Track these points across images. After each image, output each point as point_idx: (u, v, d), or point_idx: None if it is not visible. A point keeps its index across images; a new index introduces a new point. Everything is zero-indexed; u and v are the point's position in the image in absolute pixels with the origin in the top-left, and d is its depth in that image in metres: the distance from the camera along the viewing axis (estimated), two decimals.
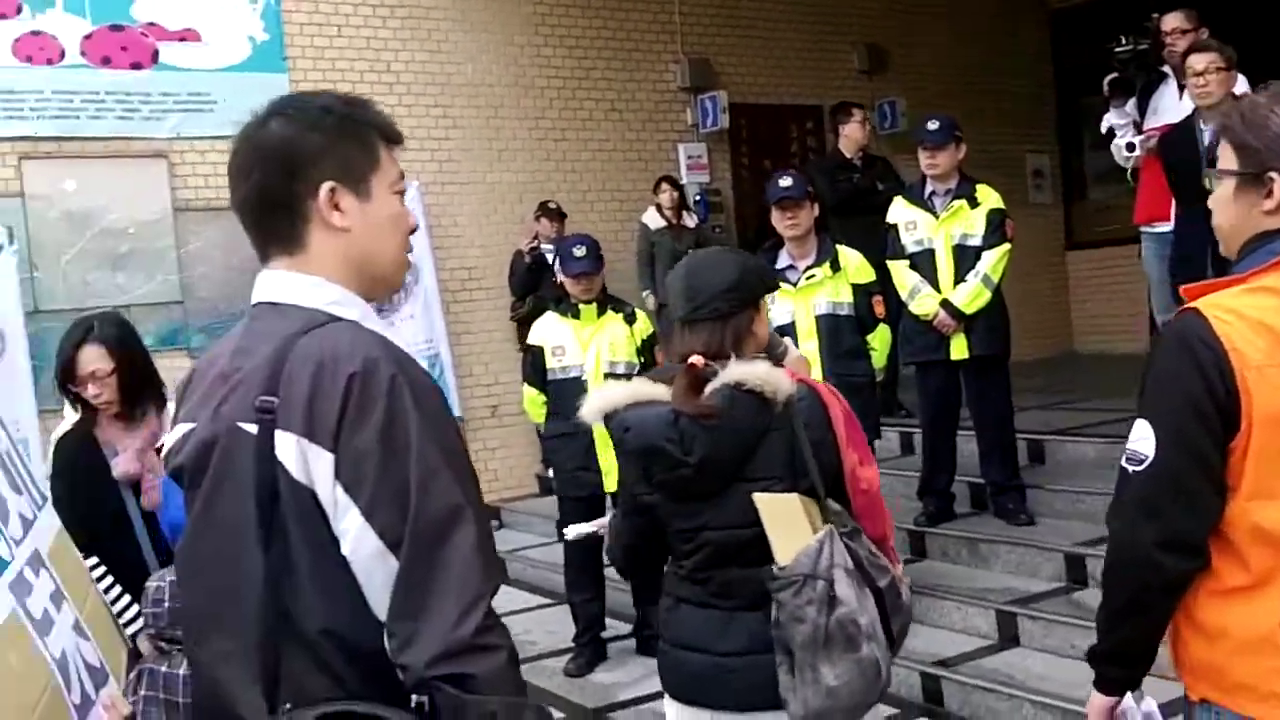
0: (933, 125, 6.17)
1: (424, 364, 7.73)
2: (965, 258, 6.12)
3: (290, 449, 1.72)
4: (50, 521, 2.73)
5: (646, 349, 6.02)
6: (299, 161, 1.84)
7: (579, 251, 5.91)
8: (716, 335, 2.72)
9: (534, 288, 9.07)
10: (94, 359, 3.74)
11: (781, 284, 5.62)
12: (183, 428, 1.91)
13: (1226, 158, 2.26)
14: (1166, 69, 6.43)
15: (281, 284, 1.87)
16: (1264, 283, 2.14)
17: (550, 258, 9.15)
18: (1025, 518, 6.32)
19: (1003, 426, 6.36)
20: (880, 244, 6.48)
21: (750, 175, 10.78)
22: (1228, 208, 2.30)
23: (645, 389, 2.70)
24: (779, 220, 5.68)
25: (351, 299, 1.87)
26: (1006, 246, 6.15)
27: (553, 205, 9.09)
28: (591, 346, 5.90)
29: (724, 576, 2.73)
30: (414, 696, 1.72)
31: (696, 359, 2.65)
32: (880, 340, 5.80)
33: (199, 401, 1.89)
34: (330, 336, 1.76)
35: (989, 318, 6.16)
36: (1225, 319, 2.10)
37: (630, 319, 6.02)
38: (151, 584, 3.26)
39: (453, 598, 1.67)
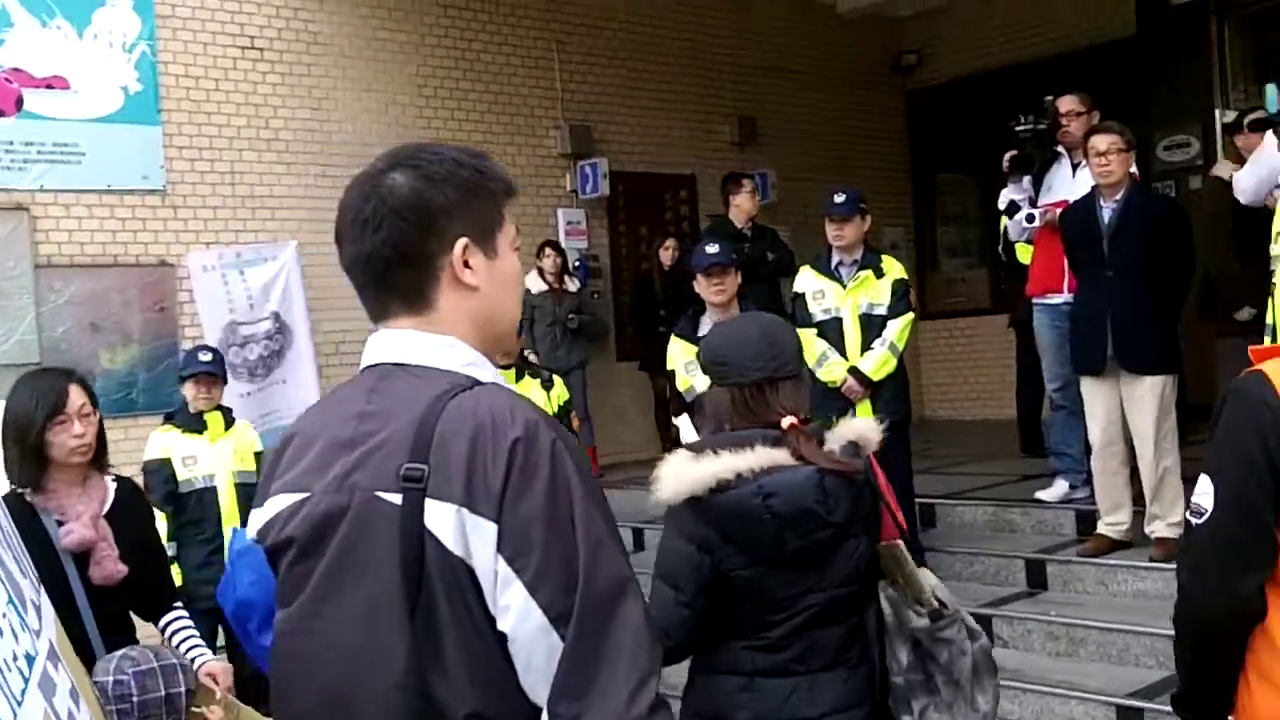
0: (839, 198, 6.31)
1: None
2: (871, 326, 6.27)
3: (446, 519, 1.61)
4: (50, 607, 2.53)
5: (563, 414, 5.98)
6: (433, 215, 1.74)
7: None
8: (801, 394, 2.74)
9: None
10: (81, 396, 3.56)
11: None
12: (288, 498, 1.77)
13: None
14: (1060, 148, 6.70)
15: (409, 344, 1.76)
16: None
17: None
18: None
19: (905, 490, 6.48)
20: (772, 312, 6.59)
21: (627, 242, 10.88)
22: None
23: (770, 454, 2.63)
24: (705, 287, 5.74)
25: (484, 361, 1.79)
26: (910, 315, 6.35)
27: None
28: None
29: (810, 641, 2.71)
30: None
31: (793, 420, 2.67)
32: None
33: (309, 470, 1.76)
34: (486, 400, 1.66)
35: (894, 384, 6.33)
36: None
37: (547, 384, 5.97)
38: (107, 678, 3.07)
39: (623, 675, 1.57)
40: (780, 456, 2.62)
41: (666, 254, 10.06)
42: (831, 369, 6.25)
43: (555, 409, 5.92)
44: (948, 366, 13.07)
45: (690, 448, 2.71)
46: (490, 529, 1.60)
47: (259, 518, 1.83)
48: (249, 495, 5.53)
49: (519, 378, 5.87)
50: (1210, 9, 10.79)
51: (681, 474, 2.62)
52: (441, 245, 1.75)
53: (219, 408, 5.83)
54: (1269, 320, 4.83)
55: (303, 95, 8.95)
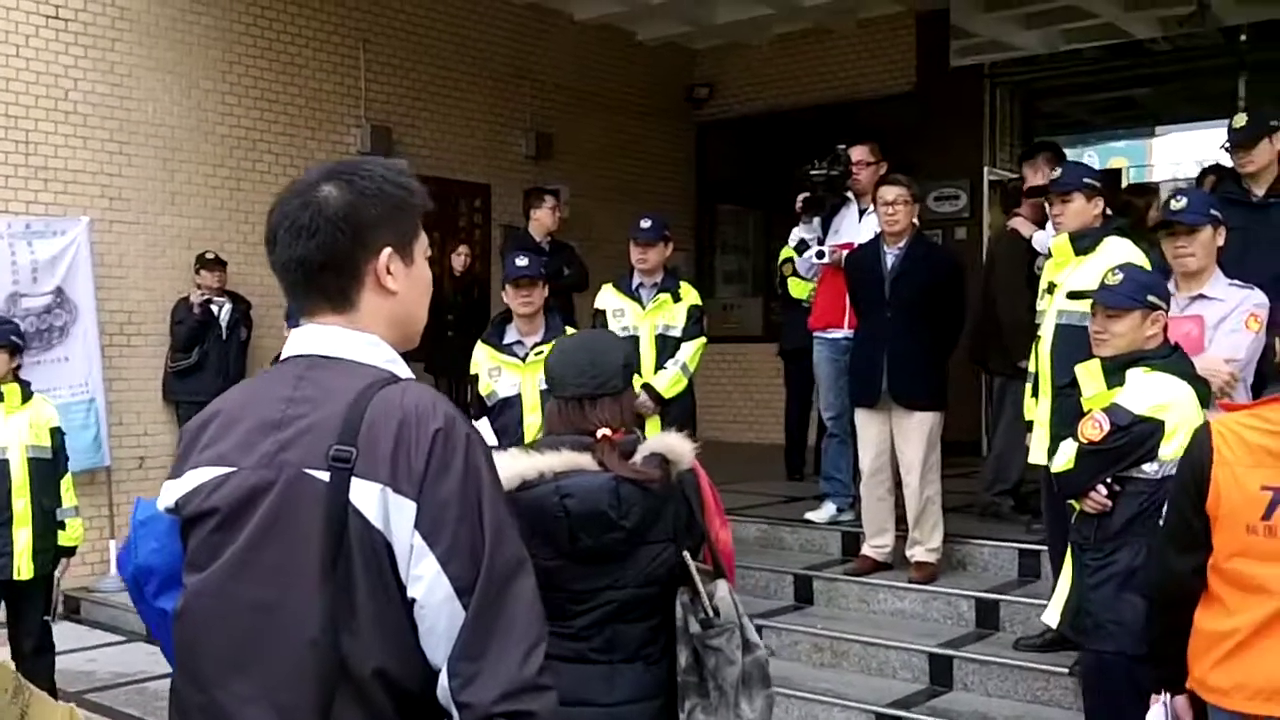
0: (645, 224, 6.62)
1: (79, 411, 7.23)
2: (666, 347, 6.58)
3: (371, 497, 1.81)
4: None
5: None
6: (362, 227, 1.94)
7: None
8: (617, 410, 2.98)
9: (199, 341, 8.88)
10: None
11: (508, 357, 5.90)
12: (211, 470, 1.93)
13: None
14: (849, 194, 7.16)
15: (334, 339, 1.96)
16: (1263, 411, 3.05)
17: (216, 310, 9.00)
18: None
19: None
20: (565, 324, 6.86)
21: None
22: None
23: (575, 458, 2.86)
24: (514, 298, 5.92)
25: (399, 358, 1.99)
26: (703, 339, 6.68)
27: (210, 255, 8.96)
28: None
29: (612, 633, 2.94)
30: None
31: (606, 431, 2.90)
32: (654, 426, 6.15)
33: (234, 447, 1.92)
34: (411, 393, 1.88)
35: (683, 403, 6.64)
36: (1221, 430, 3.09)
37: None
38: None
39: (516, 641, 1.82)
40: (584, 461, 2.88)
41: (458, 260, 10.20)
42: None
43: None
44: (719, 390, 13.53)
45: (523, 447, 2.97)
46: (410, 507, 1.81)
47: (176, 489, 1.97)
48: (42, 470, 5.49)
49: None
50: (985, 73, 11.59)
51: (520, 462, 2.86)
52: (368, 253, 1.95)
53: (17, 379, 5.69)
54: (1031, 368, 5.36)
55: (105, 70, 8.72)
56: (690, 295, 6.71)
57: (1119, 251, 4.91)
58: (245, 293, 9.24)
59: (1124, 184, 12.00)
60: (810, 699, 5.72)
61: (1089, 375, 4.11)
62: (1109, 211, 5.39)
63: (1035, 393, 5.25)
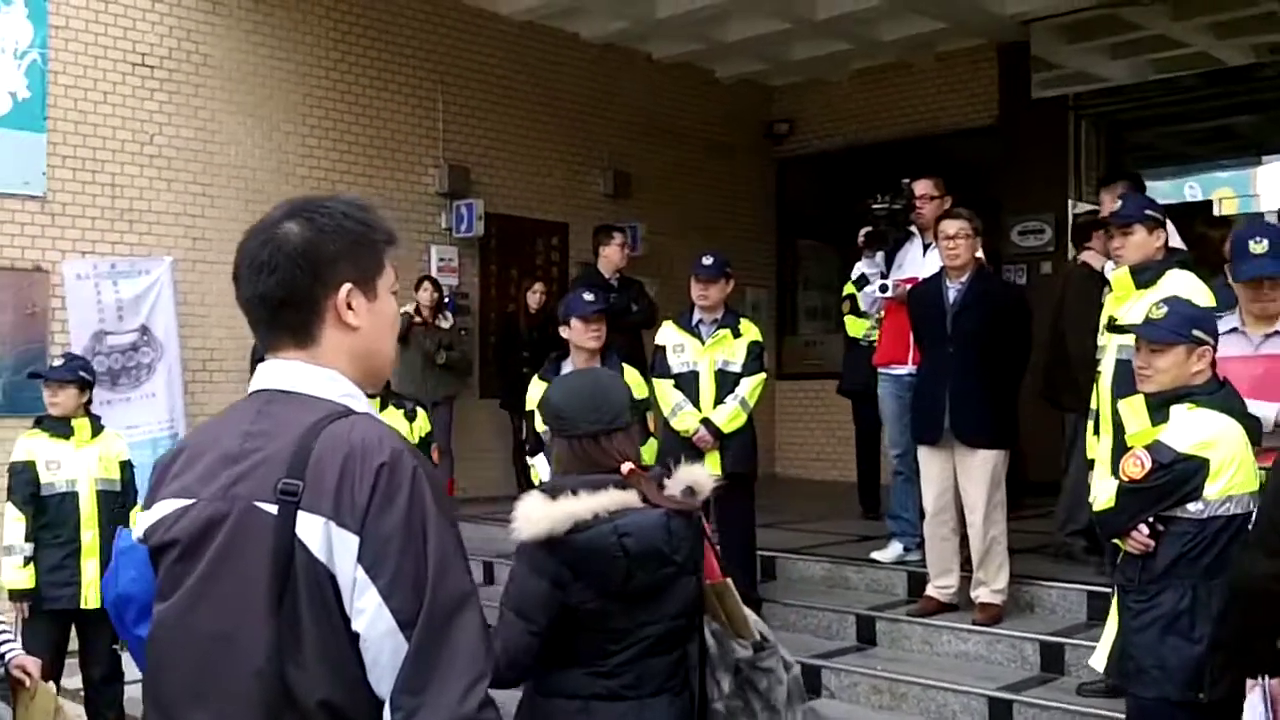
0: (707, 261, 6.61)
1: (165, 446, 7.53)
2: (725, 382, 6.58)
3: (315, 530, 1.83)
4: None
5: (424, 445, 6.14)
6: (322, 263, 1.96)
7: None
8: (630, 444, 2.98)
9: None
10: None
11: None
12: (175, 503, 1.96)
13: None
14: (913, 229, 7.09)
15: (294, 374, 1.98)
16: None
17: None
18: None
19: (747, 542, 6.79)
20: (630, 361, 6.88)
21: (498, 282, 11.08)
22: None
23: (623, 496, 2.86)
24: (582, 333, 5.95)
25: (359, 393, 2.01)
26: (763, 375, 6.66)
27: None
28: None
29: (643, 668, 2.92)
30: None
31: (631, 465, 2.92)
32: (649, 453, 6.13)
33: (197, 479, 1.95)
34: (358, 428, 1.89)
35: (742, 438, 6.63)
36: None
37: (410, 416, 6.14)
38: None
39: (459, 675, 1.81)
40: (631, 499, 2.87)
41: (534, 297, 10.29)
42: (685, 418, 6.52)
43: (417, 440, 6.09)
44: (800, 427, 13.48)
45: (544, 489, 2.92)
46: (353, 541, 1.83)
47: (146, 519, 2.02)
48: (110, 503, 5.64)
49: (383, 407, 6.02)
50: (1069, 104, 11.43)
51: (541, 513, 2.81)
52: (327, 289, 1.97)
53: (88, 414, 5.87)
54: (1093, 405, 5.24)
55: (188, 115, 8.99)
56: (750, 331, 6.70)
57: (1180, 285, 4.79)
58: None
59: (1216, 214, 11.69)
60: None
61: (1132, 411, 4.01)
62: (1174, 245, 5.27)
63: (1097, 430, 5.13)
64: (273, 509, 1.85)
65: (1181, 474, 3.71)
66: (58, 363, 5.99)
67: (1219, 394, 3.85)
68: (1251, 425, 3.84)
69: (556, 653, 2.91)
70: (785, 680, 3.04)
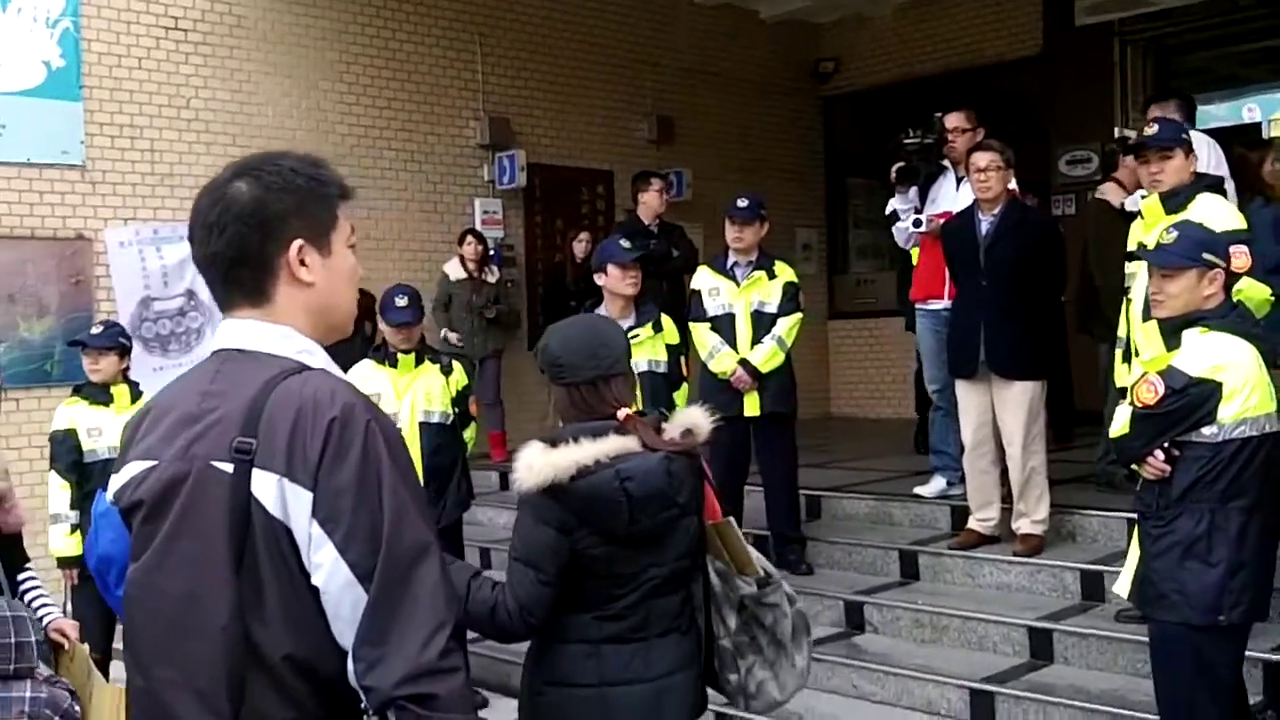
0: (742, 203, 6.59)
1: None
2: (761, 323, 6.58)
3: (269, 487, 1.87)
4: None
5: (461, 399, 6.21)
6: (270, 221, 1.98)
7: (401, 301, 6.05)
8: (628, 388, 3.02)
9: None
10: None
11: None
12: (140, 464, 2.01)
13: None
14: (946, 163, 7.02)
15: (250, 332, 2.01)
16: None
17: None
18: (806, 568, 6.76)
19: (789, 481, 6.81)
20: (671, 306, 6.89)
21: (543, 233, 11.12)
22: None
23: (623, 442, 2.88)
24: (620, 280, 5.94)
25: (315, 348, 2.03)
26: (799, 315, 6.64)
27: None
28: (407, 396, 6.01)
29: (649, 610, 2.96)
30: (376, 718, 1.88)
31: (628, 411, 2.95)
32: (683, 397, 6.17)
33: (159, 440, 2.00)
34: (310, 384, 1.92)
35: (780, 378, 6.62)
36: None
37: (447, 370, 6.19)
38: None
39: (419, 625, 1.85)
40: (631, 444, 2.89)
41: (580, 246, 10.30)
42: (722, 360, 6.53)
43: (454, 394, 6.15)
44: (855, 365, 13.45)
45: (544, 439, 2.93)
46: (306, 496, 1.86)
47: (115, 481, 2.07)
48: None
49: (419, 362, 6.09)
50: (1114, 30, 11.22)
51: (543, 462, 2.84)
52: (278, 247, 1.99)
53: (127, 381, 5.94)
54: (1120, 333, 5.19)
55: (224, 78, 9.08)
56: (786, 272, 6.69)
57: (1210, 209, 4.72)
58: (368, 288, 9.48)
59: (1266, 136, 11.41)
60: (905, 675, 5.66)
61: (1147, 338, 3.99)
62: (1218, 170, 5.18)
63: (1126, 358, 5.09)
64: (229, 468, 1.89)
65: (1195, 398, 3.69)
66: (96, 330, 6.06)
67: (1230, 316, 3.81)
68: (1263, 347, 3.80)
69: (564, 599, 2.94)
70: (790, 614, 3.07)
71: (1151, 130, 5.16)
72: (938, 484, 7.28)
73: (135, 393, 5.93)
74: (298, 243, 1.99)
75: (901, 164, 7.04)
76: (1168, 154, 4.93)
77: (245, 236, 1.97)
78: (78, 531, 5.74)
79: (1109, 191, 6.84)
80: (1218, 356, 3.71)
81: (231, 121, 9.10)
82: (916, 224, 6.87)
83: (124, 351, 5.92)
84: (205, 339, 8.79)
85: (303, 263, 2.00)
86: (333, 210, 2.06)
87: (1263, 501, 3.75)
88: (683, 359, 6.26)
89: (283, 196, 1.99)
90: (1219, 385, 3.67)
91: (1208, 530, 3.71)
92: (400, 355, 6.06)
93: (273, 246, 1.98)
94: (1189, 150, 4.96)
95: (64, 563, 5.84)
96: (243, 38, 9.18)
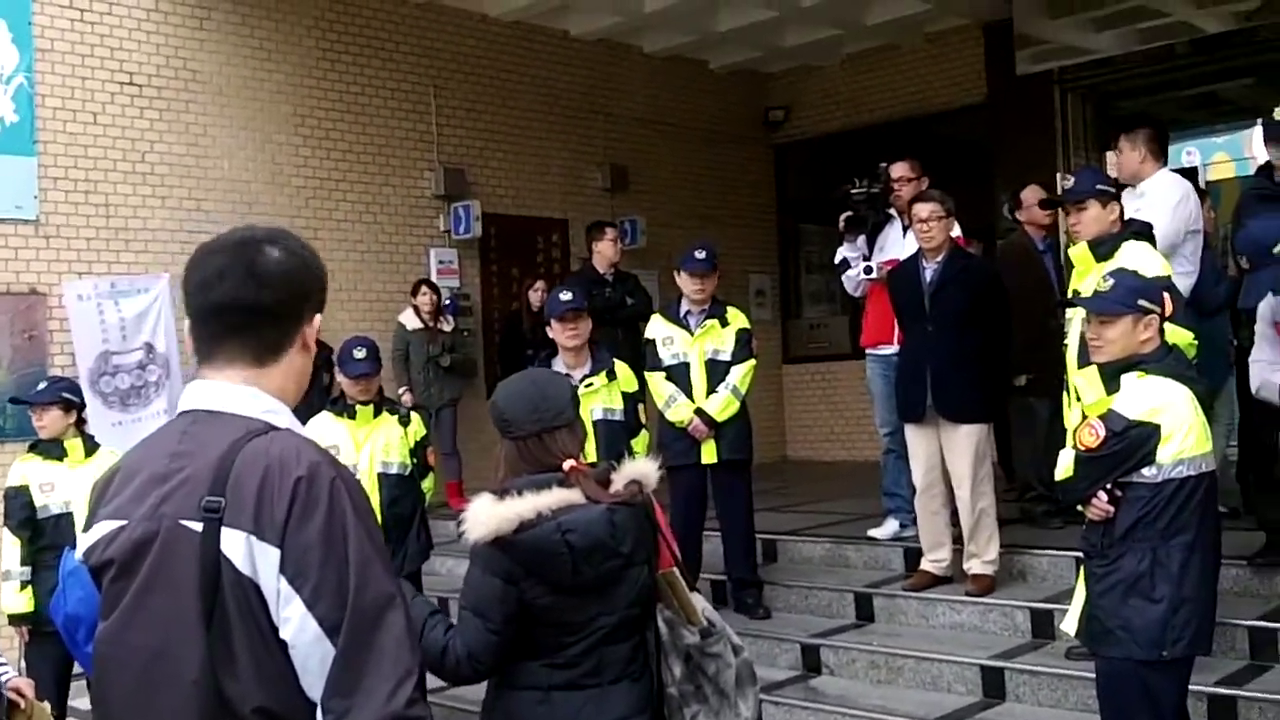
0: (700, 254, 6.67)
1: None
2: (716, 371, 6.66)
3: (238, 545, 1.92)
4: None
5: (419, 449, 6.27)
6: (305, 291, 2.13)
7: (359, 353, 6.11)
8: (574, 440, 3.10)
9: None
10: None
11: None
12: (110, 524, 2.06)
13: None
14: (892, 211, 7.19)
15: (217, 393, 2.08)
16: None
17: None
18: (763, 611, 6.84)
19: (746, 526, 6.88)
20: (627, 355, 6.99)
21: (499, 282, 11.22)
22: None
23: (566, 494, 2.96)
24: (559, 332, 6.07)
25: (282, 408, 2.11)
26: (753, 362, 6.75)
27: None
28: (366, 447, 6.07)
29: (600, 657, 3.03)
30: None
31: (573, 462, 3.03)
32: (642, 444, 6.27)
33: (129, 500, 2.05)
34: (277, 443, 1.99)
35: (737, 426, 6.71)
36: None
37: (405, 421, 6.25)
38: None
39: (385, 676, 1.91)
40: (574, 496, 2.98)
41: (536, 295, 10.39)
42: (679, 410, 6.62)
43: (412, 444, 6.22)
44: (809, 409, 13.60)
45: (494, 491, 3.02)
46: (274, 554, 1.92)
47: (85, 541, 2.12)
48: None
49: (377, 413, 6.15)
50: (1054, 79, 11.48)
51: (488, 514, 2.92)
52: (305, 316, 2.13)
53: (81, 435, 5.94)
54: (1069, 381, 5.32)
55: (180, 131, 9.13)
56: (738, 319, 6.80)
57: (1136, 256, 4.87)
58: (325, 339, 9.52)
59: (1200, 182, 11.70)
60: (862, 716, 5.73)
61: (1088, 382, 4.11)
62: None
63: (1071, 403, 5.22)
64: (198, 526, 1.95)
65: (1135, 440, 3.82)
66: (41, 386, 6.00)
67: (1166, 360, 3.95)
68: (1198, 389, 3.94)
69: (515, 646, 3.01)
70: (734, 664, 3.12)
71: (1068, 183, 5.31)
72: (891, 526, 7.39)
73: (90, 446, 5.91)
74: (318, 317, 2.14)
75: (849, 213, 7.18)
76: (1081, 206, 5.09)
77: (288, 298, 2.09)
78: (29, 588, 5.73)
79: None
80: (1155, 399, 3.84)
81: (188, 175, 9.14)
82: (868, 271, 7.02)
83: (68, 406, 5.86)
84: (164, 391, 8.79)
85: (313, 335, 2.15)
86: (325, 296, 2.20)
87: (1202, 538, 3.87)
88: (640, 407, 6.37)
89: (313, 274, 2.15)
90: (1157, 427, 3.80)
91: (1150, 567, 3.83)
92: (359, 407, 6.11)
93: (301, 314, 2.12)
94: (1106, 200, 5.09)
95: (15, 619, 5.82)
96: (198, 91, 9.24)
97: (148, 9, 9.02)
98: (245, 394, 2.07)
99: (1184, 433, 3.81)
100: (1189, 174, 12.43)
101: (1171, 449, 3.80)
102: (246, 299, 2.06)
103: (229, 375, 2.09)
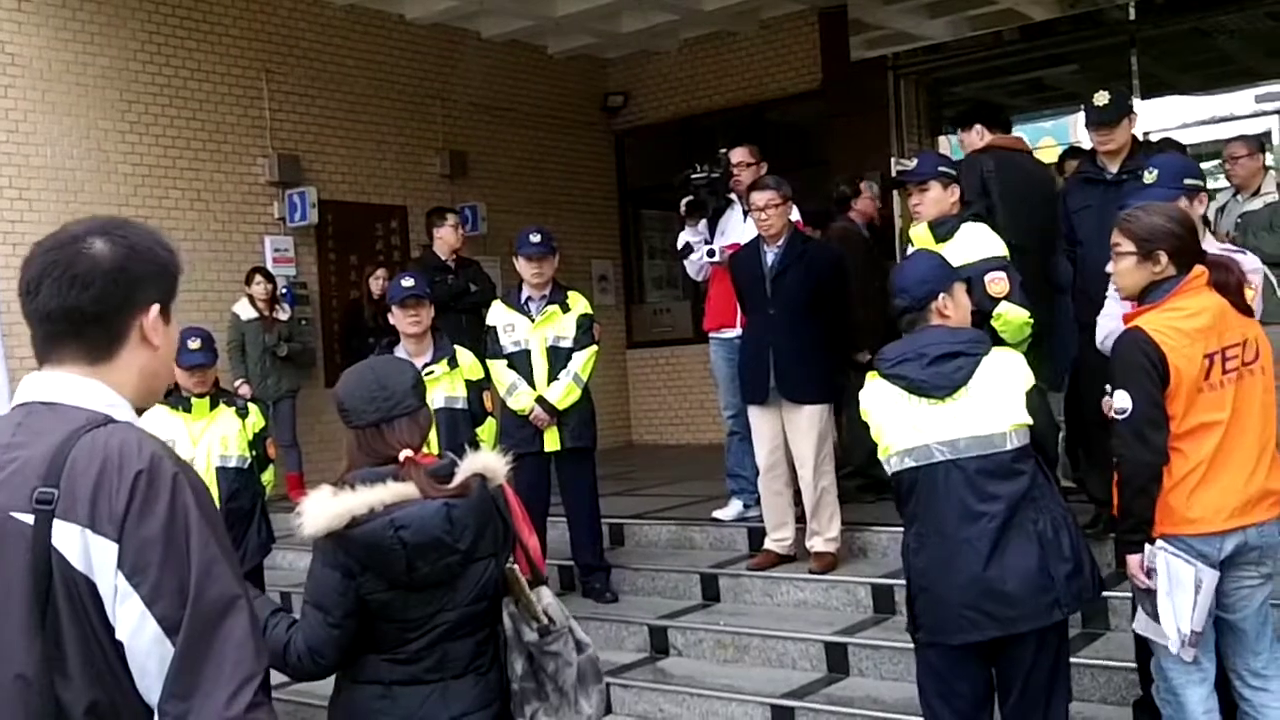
0: (536, 238, 6.66)
1: None
2: (558, 358, 6.65)
3: (72, 538, 1.84)
4: None
5: (259, 441, 6.13)
6: (135, 283, 2.00)
7: (194, 344, 5.91)
8: (416, 430, 3.03)
9: None
10: None
11: None
12: None
13: (1126, 245, 3.84)
14: (733, 195, 7.26)
15: (57, 385, 1.99)
16: (1169, 305, 3.75)
17: None
18: (611, 595, 6.87)
19: (592, 512, 6.90)
20: (470, 342, 6.94)
21: (337, 270, 11.02)
22: (1132, 273, 3.86)
23: (401, 489, 2.88)
24: (401, 319, 6.00)
25: (124, 403, 2.03)
26: (594, 348, 6.76)
27: None
28: (203, 441, 5.90)
29: (443, 652, 2.98)
30: None
31: (409, 453, 2.95)
32: (488, 432, 6.23)
33: None
34: (116, 435, 1.91)
35: (580, 413, 6.71)
36: (1153, 326, 3.72)
37: (242, 413, 6.10)
38: None
39: (226, 679, 1.85)
40: (409, 490, 2.90)
41: (377, 283, 10.24)
42: (520, 398, 6.60)
43: (250, 437, 6.07)
44: (654, 393, 13.68)
45: (332, 484, 2.95)
46: (111, 549, 1.84)
47: None
48: None
49: (213, 406, 5.98)
50: (888, 65, 11.73)
51: (321, 509, 2.85)
52: (137, 309, 2.01)
53: None
54: None
55: None
56: (579, 305, 6.79)
57: (974, 237, 5.03)
58: None
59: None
60: (709, 696, 5.80)
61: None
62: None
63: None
64: (29, 519, 1.86)
65: (867, 435, 4.05)
66: None
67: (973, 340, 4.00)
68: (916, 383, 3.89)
69: (359, 640, 2.96)
70: (575, 662, 3.10)
71: (911, 164, 5.45)
72: (735, 507, 7.48)
73: None
74: (156, 306, 2.02)
75: (690, 198, 7.24)
76: (923, 187, 5.26)
77: (111, 294, 1.97)
78: None
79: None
80: (864, 400, 3.99)
81: (8, 162, 8.79)
82: (710, 254, 7.08)
83: None
84: None
85: (154, 328, 2.03)
86: (176, 284, 2.10)
87: (934, 529, 3.86)
88: (486, 394, 6.32)
89: (145, 262, 2.02)
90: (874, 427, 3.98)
91: (904, 554, 4.03)
92: (194, 400, 5.94)
93: (132, 308, 2.00)
94: (947, 182, 5.27)
95: None
96: (17, 76, 8.89)
97: None
98: (86, 386, 1.99)
99: (890, 428, 3.88)
100: None
101: (883, 444, 3.92)
102: (66, 303, 1.96)
103: (68, 369, 2.00)
